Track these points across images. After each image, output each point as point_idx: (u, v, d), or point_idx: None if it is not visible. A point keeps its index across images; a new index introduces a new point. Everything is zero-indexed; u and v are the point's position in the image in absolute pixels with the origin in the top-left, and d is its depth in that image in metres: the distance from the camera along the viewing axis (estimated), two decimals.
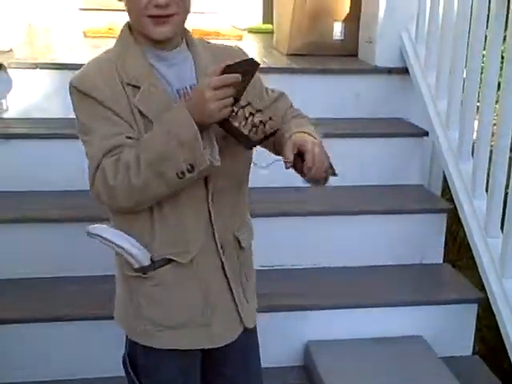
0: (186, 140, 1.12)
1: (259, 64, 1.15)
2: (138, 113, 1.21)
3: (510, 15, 1.89)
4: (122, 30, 1.28)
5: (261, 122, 1.16)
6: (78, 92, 1.21)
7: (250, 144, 1.18)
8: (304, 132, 1.26)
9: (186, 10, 1.24)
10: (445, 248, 2.36)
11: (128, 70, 1.22)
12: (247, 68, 1.14)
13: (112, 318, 1.39)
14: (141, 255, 1.25)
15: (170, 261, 1.27)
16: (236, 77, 1.11)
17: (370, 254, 2.27)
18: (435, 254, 2.33)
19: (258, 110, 1.17)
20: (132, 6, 1.21)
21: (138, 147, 1.17)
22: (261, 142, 1.19)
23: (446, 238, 2.34)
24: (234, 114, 1.15)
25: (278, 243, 2.15)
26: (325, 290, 2.12)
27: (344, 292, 2.11)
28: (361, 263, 2.25)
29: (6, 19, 3.05)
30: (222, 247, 1.30)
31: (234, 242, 1.33)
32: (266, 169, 1.29)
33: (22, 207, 2.16)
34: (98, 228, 1.27)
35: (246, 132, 1.15)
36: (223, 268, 1.31)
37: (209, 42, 1.37)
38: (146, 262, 1.26)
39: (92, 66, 1.26)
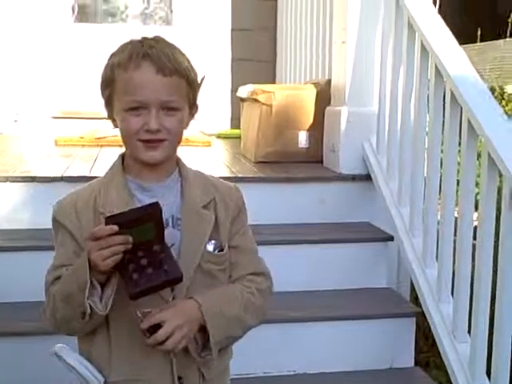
0: (81, 282, 1.16)
1: (157, 209, 1.13)
2: None
3: (462, 120, 2.00)
4: (116, 160, 1.33)
5: (152, 272, 1.14)
6: (54, 220, 1.30)
7: (133, 292, 1.14)
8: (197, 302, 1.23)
9: (177, 139, 1.28)
10: (415, 347, 2.36)
11: (106, 199, 1.26)
12: (140, 215, 1.12)
13: None
14: (91, 378, 1.25)
15: None
16: (108, 229, 1.10)
17: (342, 360, 2.26)
18: (405, 357, 2.34)
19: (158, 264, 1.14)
20: (125, 130, 1.25)
21: (60, 282, 1.23)
22: (144, 294, 1.15)
23: (416, 336, 2.36)
24: (125, 261, 1.13)
25: (251, 350, 2.14)
26: None
27: None
28: (334, 369, 2.25)
29: None
30: (180, 380, 1.28)
31: (196, 374, 1.30)
32: None
33: None
34: (63, 350, 1.27)
35: (129, 281, 1.14)
36: None
37: (203, 175, 1.38)
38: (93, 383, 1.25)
39: (71, 195, 1.32)
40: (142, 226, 1.13)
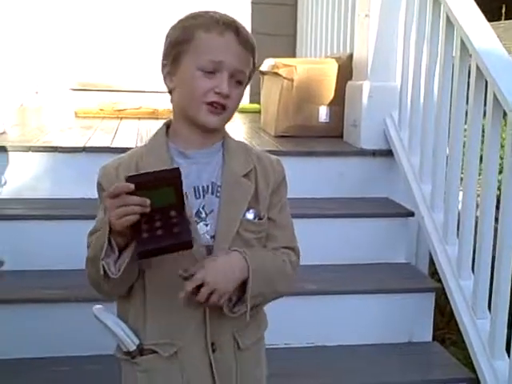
0: (102, 243, 1.17)
1: (177, 174, 1.12)
2: None
3: (487, 95, 1.98)
4: (159, 128, 1.34)
5: (162, 234, 1.12)
6: (98, 184, 1.31)
7: (139, 250, 1.13)
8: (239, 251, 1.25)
9: (236, 109, 1.31)
10: (433, 323, 2.37)
11: (146, 164, 1.27)
12: (159, 177, 1.11)
13: None
14: (127, 340, 1.27)
15: (154, 351, 1.28)
16: (124, 186, 1.10)
17: (360, 333, 2.27)
18: (424, 332, 2.34)
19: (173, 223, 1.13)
20: (192, 89, 1.26)
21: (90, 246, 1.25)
22: (152, 254, 1.14)
23: (434, 312, 2.36)
24: (142, 223, 1.12)
25: (270, 322, 2.15)
26: (319, 370, 2.11)
27: (339, 373, 2.10)
28: (351, 342, 2.26)
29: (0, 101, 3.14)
30: (213, 346, 1.28)
31: (231, 342, 1.31)
32: None
33: (9, 288, 2.15)
34: (101, 312, 1.30)
35: (139, 240, 1.13)
36: (211, 367, 1.28)
37: (246, 145, 1.40)
38: (132, 348, 1.27)
39: (114, 161, 1.33)
40: (161, 189, 1.11)
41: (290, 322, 2.17)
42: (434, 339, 2.35)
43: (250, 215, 1.30)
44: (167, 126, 1.34)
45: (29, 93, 4.20)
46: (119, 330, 1.27)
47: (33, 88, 4.23)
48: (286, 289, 1.36)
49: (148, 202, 1.11)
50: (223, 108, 1.26)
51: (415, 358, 2.22)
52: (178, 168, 1.14)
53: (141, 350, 1.28)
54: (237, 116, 3.92)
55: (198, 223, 1.27)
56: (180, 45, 1.27)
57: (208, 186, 1.30)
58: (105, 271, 1.18)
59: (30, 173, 2.51)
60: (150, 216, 1.13)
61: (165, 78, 1.31)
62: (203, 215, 1.29)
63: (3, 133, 2.83)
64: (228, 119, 1.31)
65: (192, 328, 1.28)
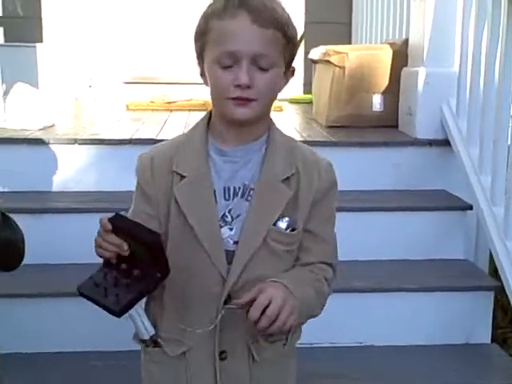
0: None
1: (157, 240, 1.06)
2: (174, 201, 1.18)
3: None
4: (201, 119, 1.25)
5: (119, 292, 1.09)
6: (135, 170, 1.26)
7: (80, 289, 1.12)
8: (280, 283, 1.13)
9: (268, 99, 1.17)
10: (492, 322, 2.23)
11: (181, 157, 1.20)
12: (137, 235, 1.07)
13: None
14: (142, 328, 1.22)
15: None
16: (104, 224, 1.07)
17: (415, 333, 2.16)
18: (482, 333, 2.21)
19: (131, 281, 1.09)
20: (214, 85, 1.16)
21: None
22: (85, 298, 1.11)
23: (493, 311, 2.22)
24: (111, 263, 1.11)
25: (317, 319, 2.07)
26: (368, 371, 2.01)
27: (387, 374, 2.00)
28: (405, 342, 2.15)
29: (52, 95, 3.15)
30: (223, 354, 1.21)
31: (244, 352, 1.22)
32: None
33: (48, 280, 2.14)
34: None
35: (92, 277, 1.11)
36: (215, 377, 1.21)
37: (295, 144, 1.26)
38: (145, 337, 1.22)
39: (152, 149, 1.27)
40: (137, 244, 1.08)
41: (337, 320, 2.07)
42: (493, 340, 2.21)
43: (282, 224, 1.18)
44: (209, 117, 1.24)
45: (83, 86, 4.23)
46: (136, 317, 1.22)
47: (87, 82, 4.27)
48: (321, 310, 1.24)
49: (125, 247, 1.08)
50: (249, 100, 1.13)
51: (472, 360, 2.09)
52: (159, 235, 1.08)
53: (155, 341, 1.23)
54: (289, 107, 3.83)
55: (222, 227, 1.18)
56: (200, 37, 1.17)
57: (239, 188, 1.19)
58: None
59: (75, 165, 2.50)
60: (124, 261, 1.10)
61: (200, 74, 1.21)
62: (228, 219, 1.19)
63: (52, 125, 2.84)
64: (262, 109, 1.17)
65: (204, 332, 1.19)
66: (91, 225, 2.21)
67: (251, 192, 1.18)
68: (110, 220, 1.08)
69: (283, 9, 1.16)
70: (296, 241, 1.21)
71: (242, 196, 1.19)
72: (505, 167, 2.19)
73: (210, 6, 1.17)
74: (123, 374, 1.91)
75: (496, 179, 2.21)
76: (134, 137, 2.57)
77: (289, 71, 1.21)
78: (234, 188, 1.19)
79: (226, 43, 1.11)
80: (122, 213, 1.12)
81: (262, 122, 1.21)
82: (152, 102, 3.73)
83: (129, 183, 2.39)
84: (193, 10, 4.32)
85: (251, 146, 1.20)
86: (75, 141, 2.50)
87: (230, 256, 1.18)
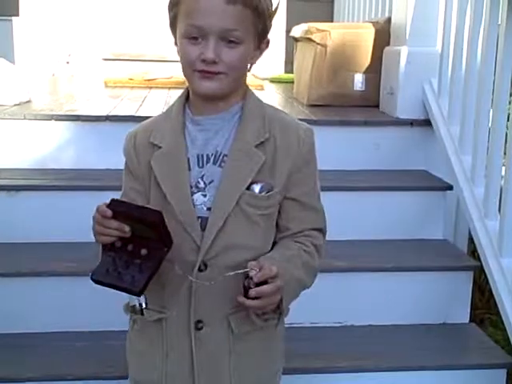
0: None
1: (157, 218, 1.08)
2: (152, 172, 1.21)
3: None
4: (181, 93, 1.27)
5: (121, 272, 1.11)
6: (123, 148, 1.31)
7: (93, 277, 1.13)
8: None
9: (237, 73, 1.18)
10: (472, 302, 2.24)
11: (158, 129, 1.23)
12: (138, 216, 1.08)
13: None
14: (134, 300, 1.22)
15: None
16: (103, 210, 1.08)
17: (394, 313, 2.16)
18: (461, 313, 2.21)
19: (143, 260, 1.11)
20: (182, 58, 1.18)
21: None
22: (98, 283, 1.13)
23: (473, 292, 2.23)
24: (116, 246, 1.12)
25: (296, 300, 2.06)
26: (347, 351, 2.00)
27: (368, 354, 1.99)
28: (384, 322, 2.15)
29: (29, 70, 3.09)
30: (199, 324, 1.21)
31: (223, 323, 1.21)
32: None
33: (29, 260, 2.10)
34: None
35: (101, 263, 1.13)
36: (191, 353, 1.21)
37: (271, 111, 1.26)
38: (133, 303, 1.23)
39: (137, 127, 1.32)
40: (138, 225, 1.09)
41: (317, 300, 2.05)
42: (471, 320, 2.22)
43: (256, 188, 1.19)
44: (188, 90, 1.26)
45: (60, 62, 4.16)
46: None
47: (64, 57, 4.19)
48: (312, 280, 1.27)
49: (127, 229, 1.10)
50: (214, 73, 1.14)
51: (450, 340, 2.10)
52: (160, 213, 1.09)
53: (141, 310, 1.23)
54: (270, 86, 3.80)
55: (194, 193, 1.19)
56: (173, 7, 1.18)
57: (212, 155, 1.20)
58: None
59: (52, 142, 2.44)
60: (129, 241, 1.12)
61: (174, 44, 1.22)
62: (201, 185, 1.20)
63: (28, 101, 2.78)
64: (231, 83, 1.17)
65: (180, 300, 1.21)
66: (68, 202, 2.23)
67: (224, 158, 1.20)
68: (109, 206, 1.09)
69: None
70: (271, 205, 1.21)
71: (215, 163, 1.20)
72: (485, 147, 2.19)
73: None
74: (105, 354, 1.90)
75: (477, 158, 2.21)
76: (111, 113, 2.52)
77: (263, 43, 1.21)
78: (207, 155, 1.21)
79: (194, 18, 1.13)
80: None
81: (234, 92, 1.22)
82: (131, 79, 3.66)
83: (106, 161, 2.41)
84: None
85: (224, 115, 1.22)
86: (52, 117, 2.44)
87: (204, 223, 1.19)
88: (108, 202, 1.09)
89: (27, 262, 2.09)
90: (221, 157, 1.20)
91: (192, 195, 1.19)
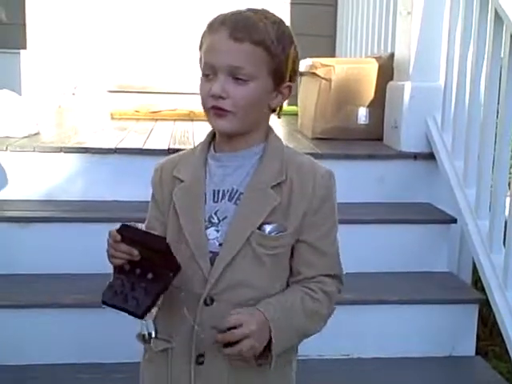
0: None
1: (163, 246, 1.13)
2: (173, 204, 1.25)
3: None
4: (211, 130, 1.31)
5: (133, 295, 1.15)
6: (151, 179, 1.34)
7: (103, 299, 1.17)
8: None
9: (247, 112, 1.19)
10: (482, 336, 2.25)
11: (183, 164, 1.28)
12: (143, 241, 1.14)
13: None
14: (143, 325, 1.25)
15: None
16: (113, 235, 1.14)
17: (400, 346, 2.17)
18: (466, 345, 2.22)
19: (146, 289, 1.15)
20: (201, 98, 1.22)
21: None
22: (108, 305, 1.17)
23: (477, 325, 2.24)
24: (125, 270, 1.17)
25: None
26: (354, 383, 2.01)
27: None
28: (390, 354, 2.15)
29: (36, 102, 3.13)
30: (200, 358, 1.21)
31: (224, 358, 1.20)
32: None
33: (37, 292, 2.12)
34: None
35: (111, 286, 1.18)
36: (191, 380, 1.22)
37: (291, 153, 1.27)
38: (144, 332, 1.25)
39: (166, 159, 1.34)
40: (146, 250, 1.14)
41: (324, 332, 2.06)
42: (477, 353, 2.23)
43: (267, 228, 1.20)
44: None
45: (66, 94, 4.21)
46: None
47: (70, 90, 4.25)
48: (320, 326, 1.26)
49: (135, 253, 1.14)
50: (223, 110, 1.17)
51: (457, 373, 2.10)
52: (165, 239, 1.15)
53: (150, 339, 1.26)
54: (273, 118, 3.83)
55: (208, 228, 1.22)
56: (200, 49, 1.24)
57: (228, 191, 1.22)
58: None
59: (61, 174, 2.47)
60: (138, 266, 1.16)
61: None
62: (215, 220, 1.22)
63: (37, 133, 2.81)
64: (243, 122, 1.19)
65: (184, 331, 1.22)
66: (77, 234, 2.25)
67: (240, 196, 1.21)
68: (118, 231, 1.14)
69: (269, 24, 1.18)
70: (280, 245, 1.21)
71: (231, 199, 1.22)
72: (489, 180, 2.21)
73: (210, 20, 1.24)
74: None
75: (481, 192, 2.23)
76: (119, 146, 2.56)
77: (282, 87, 1.23)
78: (223, 191, 1.23)
79: (207, 56, 1.19)
80: (132, 223, 1.18)
81: (254, 132, 1.23)
82: (137, 111, 3.71)
83: (115, 192, 2.44)
84: (177, 19, 4.35)
85: (244, 153, 1.24)
86: (61, 149, 2.47)
87: (214, 257, 1.21)
88: (119, 226, 1.15)
89: (36, 293, 2.10)
90: (236, 194, 1.22)
91: (206, 229, 1.22)
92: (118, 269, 1.17)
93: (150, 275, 1.15)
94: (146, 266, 1.16)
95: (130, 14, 4.31)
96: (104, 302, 1.17)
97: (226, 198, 1.22)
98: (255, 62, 1.17)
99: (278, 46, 1.18)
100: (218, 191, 1.23)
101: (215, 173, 1.24)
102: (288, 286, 1.26)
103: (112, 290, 1.17)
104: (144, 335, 1.26)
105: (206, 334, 1.20)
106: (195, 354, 1.21)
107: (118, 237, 1.14)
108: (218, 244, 1.21)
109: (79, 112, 3.90)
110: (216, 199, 1.23)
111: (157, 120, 3.57)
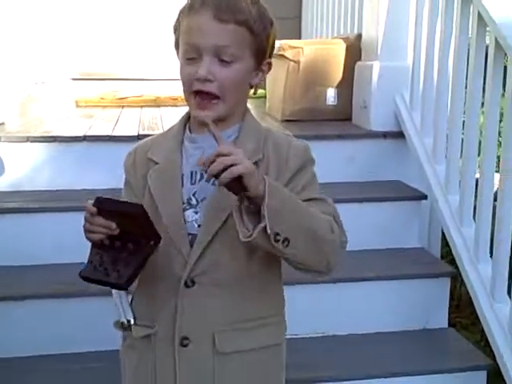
0: None
1: (139, 212, 1.10)
2: (148, 187, 1.23)
3: (507, 71, 1.88)
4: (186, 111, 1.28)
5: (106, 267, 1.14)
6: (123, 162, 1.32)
7: (81, 274, 1.16)
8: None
9: (233, 94, 1.17)
10: (449, 308, 2.29)
11: (157, 146, 1.26)
12: (121, 210, 1.11)
13: None
14: (121, 311, 1.26)
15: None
16: (88, 208, 1.11)
17: (374, 321, 2.20)
18: (439, 318, 2.26)
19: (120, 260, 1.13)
20: (181, 79, 1.20)
21: None
22: (86, 280, 1.15)
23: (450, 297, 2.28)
24: (104, 244, 1.14)
25: None
26: (331, 360, 2.03)
27: (351, 362, 2.02)
28: (365, 330, 2.18)
29: (1, 93, 3.06)
30: (184, 340, 1.20)
31: (209, 340, 1.19)
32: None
33: (8, 284, 2.09)
34: None
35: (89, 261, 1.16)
36: (175, 370, 1.21)
37: (266, 132, 1.25)
38: (122, 320, 1.26)
39: (138, 143, 1.33)
40: (124, 220, 1.12)
41: (297, 312, 2.05)
42: (449, 325, 2.27)
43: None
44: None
45: (29, 84, 4.13)
46: (118, 301, 1.27)
47: (33, 79, 4.17)
48: (326, 235, 1.15)
49: (113, 226, 1.12)
50: (208, 95, 1.16)
51: (431, 345, 2.14)
52: (141, 206, 1.12)
53: (130, 327, 1.26)
54: None
55: (186, 210, 1.21)
56: (175, 33, 1.23)
57: (203, 173, 1.21)
58: None
59: (29, 164, 2.43)
60: (117, 239, 1.14)
61: None
62: (193, 202, 1.22)
63: (2, 124, 2.75)
64: (227, 106, 1.18)
65: (166, 315, 1.21)
66: (46, 224, 2.21)
67: None
68: (94, 204, 1.11)
69: (251, 3, 1.18)
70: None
71: (208, 180, 1.21)
72: (458, 155, 2.25)
73: (186, 2, 1.22)
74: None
75: (450, 168, 2.27)
76: (88, 133, 2.52)
77: (263, 64, 1.23)
78: (201, 173, 1.21)
79: (189, 37, 1.16)
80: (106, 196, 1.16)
81: (234, 112, 1.22)
82: (102, 98, 3.65)
83: (84, 181, 2.40)
84: (141, 4, 4.29)
85: (221, 134, 1.20)
86: (27, 138, 2.43)
87: (194, 239, 1.20)
88: (94, 200, 1.12)
89: (8, 286, 2.07)
90: None
91: (184, 211, 1.21)
92: (98, 244, 1.15)
93: (130, 245, 1.14)
94: (125, 239, 1.14)
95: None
96: (84, 278, 1.15)
97: (205, 178, 1.21)
98: (239, 43, 1.16)
99: (260, 25, 1.18)
100: (196, 172, 1.22)
101: (192, 154, 1.23)
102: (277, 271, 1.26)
103: (92, 266, 1.15)
104: (123, 322, 1.26)
105: (189, 316, 1.19)
106: (179, 337, 1.20)
107: (94, 209, 1.11)
108: (197, 226, 1.20)
109: (44, 101, 3.83)
110: (193, 181, 1.22)
111: (123, 107, 3.52)
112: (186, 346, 1.20)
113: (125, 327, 1.26)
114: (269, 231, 1.06)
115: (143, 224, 1.12)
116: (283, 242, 1.09)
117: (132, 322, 1.26)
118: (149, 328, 1.23)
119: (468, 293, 2.10)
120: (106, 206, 1.12)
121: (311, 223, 1.14)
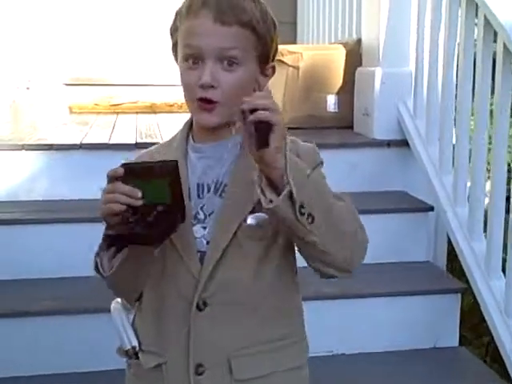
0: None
1: (172, 167, 1.02)
2: None
3: None
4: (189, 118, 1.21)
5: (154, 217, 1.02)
6: None
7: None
8: None
9: (235, 100, 1.06)
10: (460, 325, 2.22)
11: (161, 157, 1.17)
12: (153, 168, 1.02)
13: None
14: (124, 338, 1.18)
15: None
16: (115, 171, 1.01)
17: (384, 339, 2.12)
18: (450, 336, 2.18)
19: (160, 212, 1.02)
20: (182, 84, 1.13)
21: None
22: (159, 236, 1.04)
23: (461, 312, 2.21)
24: (124, 219, 1.02)
25: None
26: (340, 380, 1.96)
27: (360, 382, 1.96)
28: (374, 349, 2.10)
29: None
30: (199, 368, 1.12)
31: (225, 367, 1.12)
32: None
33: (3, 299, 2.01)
34: (115, 308, 1.23)
35: (138, 230, 1.02)
36: None
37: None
38: (126, 347, 1.17)
39: (139, 155, 1.25)
40: (155, 181, 1.02)
41: (306, 329, 2.02)
42: (460, 343, 2.20)
43: (251, 220, 1.11)
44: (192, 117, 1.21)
45: (20, 89, 4.05)
46: (120, 328, 1.19)
47: (24, 84, 4.08)
48: (352, 221, 1.12)
49: (139, 193, 1.01)
50: (210, 103, 1.09)
51: (442, 364, 2.07)
52: (176, 162, 1.03)
53: (136, 353, 1.18)
54: None
55: (194, 225, 1.13)
56: (172, 36, 1.15)
57: (212, 183, 1.14)
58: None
59: (24, 173, 2.34)
60: (137, 210, 1.02)
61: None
62: (201, 216, 1.14)
63: None
64: (229, 111, 1.08)
65: (177, 341, 1.13)
66: (42, 236, 2.13)
67: (225, 188, 1.14)
68: (123, 167, 1.02)
69: (254, 5, 1.11)
70: (266, 235, 1.12)
71: (216, 192, 1.14)
72: (467, 167, 2.19)
73: (184, 2, 1.14)
74: None
75: (458, 178, 2.21)
76: (84, 141, 2.44)
77: (267, 69, 1.16)
78: (208, 184, 1.15)
79: (191, 39, 1.10)
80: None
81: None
82: (96, 104, 3.58)
83: (81, 190, 2.32)
84: (136, 8, 4.21)
85: (226, 143, 1.15)
86: (22, 146, 2.35)
87: (203, 257, 1.12)
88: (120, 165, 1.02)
89: (5, 300, 2.00)
90: (221, 186, 1.14)
91: (192, 226, 1.13)
92: (114, 224, 1.02)
93: (157, 210, 1.02)
94: (145, 213, 1.02)
95: (85, 3, 4.16)
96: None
97: (211, 191, 1.14)
98: (244, 45, 1.10)
99: (263, 26, 1.12)
100: (202, 185, 1.15)
101: (196, 165, 1.16)
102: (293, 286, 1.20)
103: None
104: (127, 350, 1.17)
105: (203, 341, 1.12)
106: (194, 365, 1.12)
107: (121, 170, 1.00)
108: (205, 242, 1.13)
109: (36, 107, 3.74)
110: (201, 194, 1.15)
111: (118, 113, 3.44)
112: (201, 374, 1.12)
113: (130, 355, 1.18)
114: (295, 195, 0.98)
115: (172, 184, 1.02)
116: (307, 217, 1.01)
117: (137, 348, 1.18)
118: (159, 356, 1.15)
119: (470, 305, 2.04)
120: (136, 167, 1.04)
121: (334, 206, 1.08)
